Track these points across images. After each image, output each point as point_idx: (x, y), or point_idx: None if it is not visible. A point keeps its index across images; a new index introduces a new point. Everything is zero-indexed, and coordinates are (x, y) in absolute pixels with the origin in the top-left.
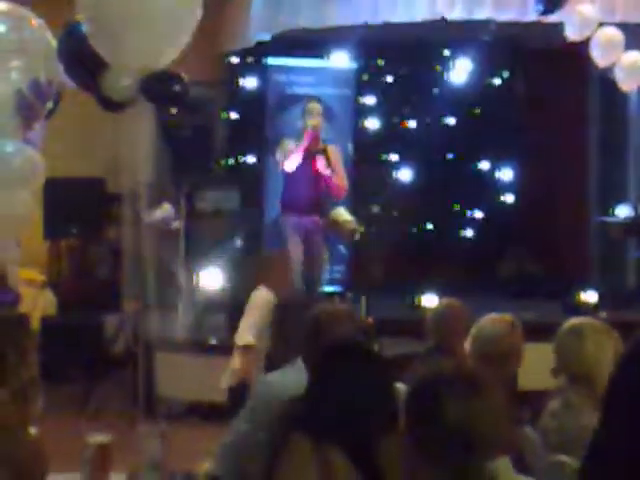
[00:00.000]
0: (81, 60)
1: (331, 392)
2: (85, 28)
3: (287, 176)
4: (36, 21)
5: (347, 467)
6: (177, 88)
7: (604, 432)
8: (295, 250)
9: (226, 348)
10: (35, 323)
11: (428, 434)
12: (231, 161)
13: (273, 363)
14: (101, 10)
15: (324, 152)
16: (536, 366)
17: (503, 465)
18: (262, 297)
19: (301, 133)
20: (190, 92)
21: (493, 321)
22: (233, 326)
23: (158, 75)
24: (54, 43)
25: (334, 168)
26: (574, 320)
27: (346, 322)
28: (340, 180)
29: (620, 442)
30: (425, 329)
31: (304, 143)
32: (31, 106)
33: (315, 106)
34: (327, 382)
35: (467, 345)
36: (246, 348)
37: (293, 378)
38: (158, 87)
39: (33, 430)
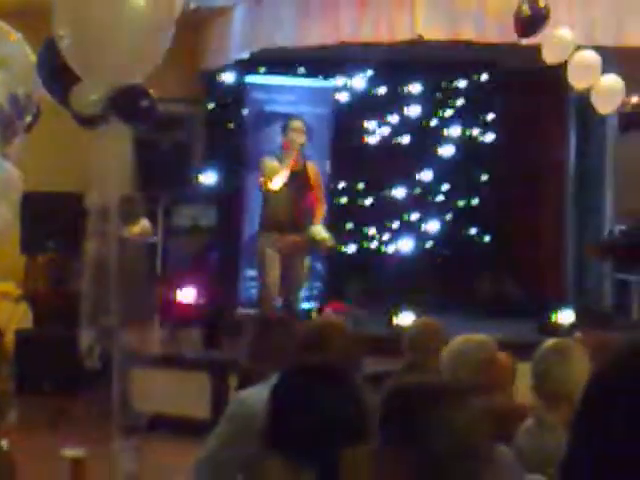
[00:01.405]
0: (59, 75)
1: (297, 409)
2: (60, 43)
3: (266, 194)
4: (15, 35)
5: None
6: (144, 103)
7: (571, 449)
8: (273, 268)
9: (201, 363)
10: (10, 336)
11: (398, 443)
12: (209, 177)
13: (249, 379)
14: (75, 26)
15: (304, 170)
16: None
17: None
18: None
19: (280, 150)
20: (169, 108)
21: (466, 340)
22: (208, 341)
23: (125, 90)
24: (33, 57)
25: (314, 186)
26: (555, 340)
27: (342, 335)
28: (319, 200)
29: (586, 459)
30: (402, 347)
31: (290, 162)
32: (10, 120)
33: (299, 124)
34: (293, 399)
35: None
36: None
37: (265, 393)
38: (125, 102)
39: (4, 443)
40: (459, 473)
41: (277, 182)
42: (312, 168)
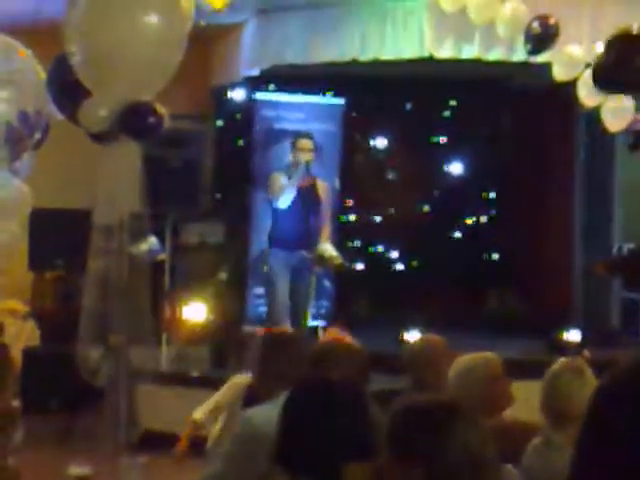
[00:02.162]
0: (69, 91)
1: (304, 426)
2: (71, 59)
3: (276, 211)
4: (25, 52)
5: None
6: (152, 120)
7: (577, 462)
8: (282, 285)
9: (209, 381)
10: (17, 354)
11: (408, 460)
12: (217, 195)
13: (257, 397)
14: (87, 42)
15: (313, 187)
16: (519, 403)
17: None
18: (234, 381)
19: (290, 168)
20: (178, 125)
21: (473, 359)
22: (216, 359)
23: (133, 107)
24: (43, 74)
25: (323, 204)
26: (565, 359)
27: (350, 352)
28: (327, 219)
29: (591, 471)
30: (403, 364)
31: (298, 180)
32: (19, 137)
33: (306, 142)
34: (299, 417)
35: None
36: (194, 423)
37: (276, 413)
38: (132, 119)
39: (11, 461)
40: None
41: (285, 200)
42: (322, 186)
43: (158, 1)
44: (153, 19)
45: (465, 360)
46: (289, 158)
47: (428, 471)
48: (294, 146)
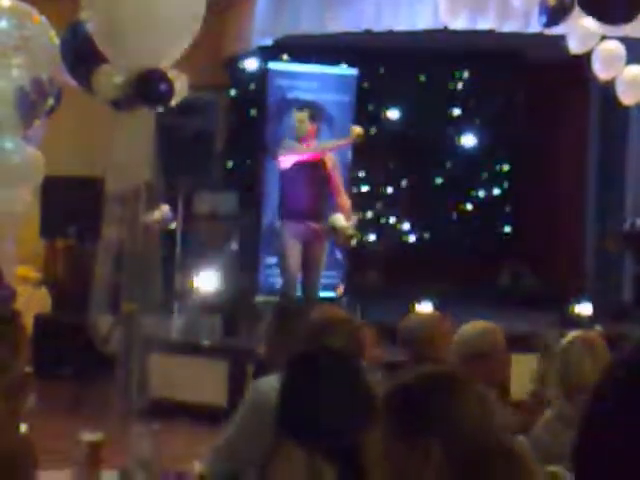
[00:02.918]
0: (83, 59)
1: (308, 397)
2: (89, 26)
3: (286, 181)
4: (39, 18)
5: (332, 472)
6: (163, 88)
7: (585, 436)
8: (293, 256)
9: (220, 350)
10: (29, 320)
11: (411, 428)
12: (230, 164)
13: (265, 368)
14: (106, 9)
15: (322, 162)
16: (529, 378)
17: None
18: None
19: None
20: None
21: (474, 326)
22: (228, 328)
23: (144, 74)
24: (56, 41)
25: (331, 176)
26: (580, 332)
27: (341, 329)
28: (340, 193)
29: (601, 446)
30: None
31: (302, 148)
32: (32, 103)
33: (300, 114)
34: (303, 387)
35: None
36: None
37: None
38: (144, 86)
39: (23, 427)
40: (487, 464)
41: (287, 161)
42: (330, 159)
43: None
44: None
45: (465, 327)
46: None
47: (445, 449)
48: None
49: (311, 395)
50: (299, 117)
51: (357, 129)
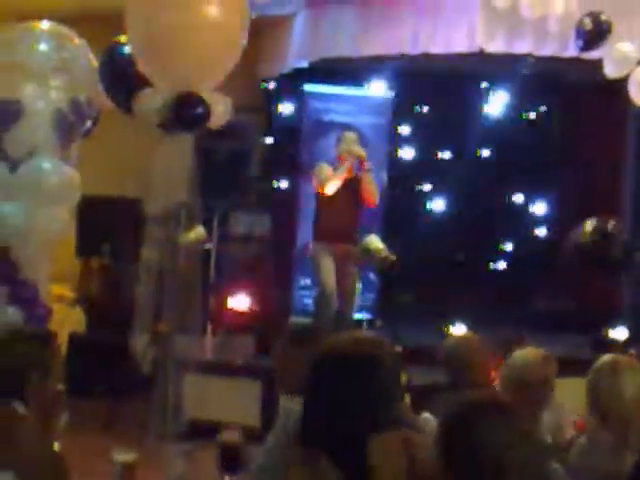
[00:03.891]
0: (121, 81)
1: (319, 400)
2: (131, 48)
3: (321, 203)
4: (78, 40)
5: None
6: (199, 111)
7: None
8: (328, 277)
9: (252, 370)
10: (63, 339)
11: (461, 461)
12: (265, 186)
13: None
14: (151, 31)
15: (357, 180)
16: (565, 401)
17: None
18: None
19: (335, 162)
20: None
21: (526, 353)
22: (261, 348)
23: (181, 98)
24: (95, 63)
25: (367, 186)
26: (610, 356)
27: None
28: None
29: None
30: (440, 359)
31: (344, 172)
32: (70, 125)
33: (351, 135)
34: (316, 390)
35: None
36: None
37: None
38: (179, 110)
39: (57, 446)
40: None
41: (331, 188)
42: (365, 176)
43: None
44: (214, 9)
45: (517, 354)
46: (334, 153)
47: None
48: (339, 139)
49: (327, 397)
50: (350, 137)
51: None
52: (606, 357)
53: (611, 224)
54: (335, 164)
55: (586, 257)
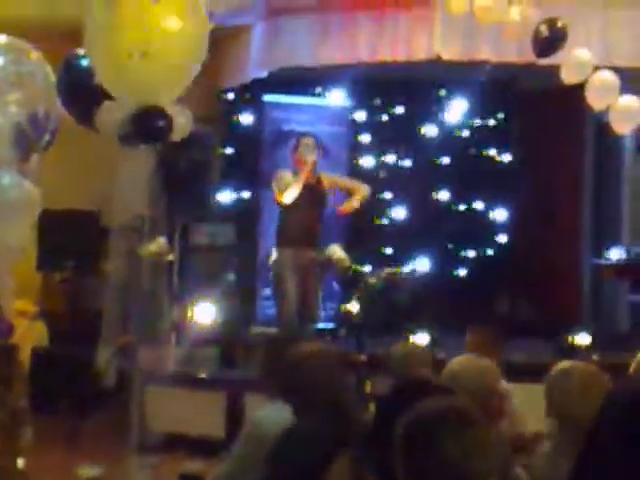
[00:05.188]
0: (79, 94)
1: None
2: (89, 61)
3: (282, 209)
4: (35, 54)
5: None
6: (160, 124)
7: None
8: (290, 286)
9: (216, 382)
10: (26, 354)
11: (424, 469)
12: (226, 196)
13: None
14: (107, 43)
15: (318, 182)
16: (527, 408)
17: None
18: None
19: (294, 168)
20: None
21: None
22: (225, 360)
23: (142, 111)
24: (53, 76)
25: (336, 186)
26: (564, 363)
27: (317, 361)
28: (356, 187)
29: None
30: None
31: (302, 178)
32: (29, 139)
33: (309, 140)
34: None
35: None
36: None
37: (280, 415)
38: (141, 123)
39: (21, 461)
40: None
41: (289, 196)
42: (325, 177)
43: (178, 4)
44: (174, 22)
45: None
46: (292, 159)
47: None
48: (297, 144)
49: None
50: (306, 142)
51: (342, 257)
52: (561, 363)
53: None
54: (294, 170)
55: None
